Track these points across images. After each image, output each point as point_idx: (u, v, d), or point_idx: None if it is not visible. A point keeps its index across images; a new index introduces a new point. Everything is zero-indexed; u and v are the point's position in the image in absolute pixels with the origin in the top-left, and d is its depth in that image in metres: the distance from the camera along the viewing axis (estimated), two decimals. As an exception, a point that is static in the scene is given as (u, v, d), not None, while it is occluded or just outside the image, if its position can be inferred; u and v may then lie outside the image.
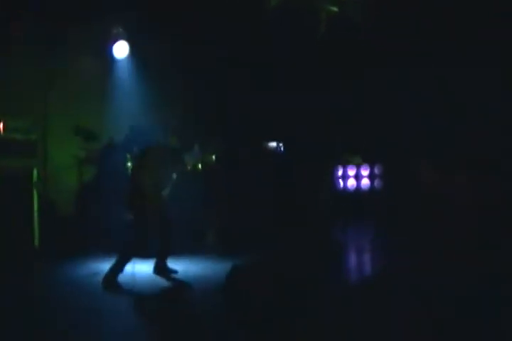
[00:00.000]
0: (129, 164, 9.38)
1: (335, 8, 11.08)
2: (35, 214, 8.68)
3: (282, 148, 12.49)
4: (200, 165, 10.32)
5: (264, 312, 5.47)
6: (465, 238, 8.73)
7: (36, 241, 8.66)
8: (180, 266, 7.77)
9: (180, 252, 8.29)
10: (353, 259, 9.51)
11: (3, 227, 8.12)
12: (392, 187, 12.45)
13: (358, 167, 13.23)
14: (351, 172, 13.30)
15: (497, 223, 8.88)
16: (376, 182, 13.03)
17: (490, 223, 8.93)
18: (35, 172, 8.74)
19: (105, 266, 7.21)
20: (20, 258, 7.96)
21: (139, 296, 6.69)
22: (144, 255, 7.68)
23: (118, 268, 7.00)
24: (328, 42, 11.50)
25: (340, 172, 13.16)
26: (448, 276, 6.80)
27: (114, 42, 10.29)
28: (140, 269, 7.49)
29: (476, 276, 6.72)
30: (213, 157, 10.65)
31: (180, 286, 7.24)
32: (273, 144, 12.10)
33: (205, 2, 9.87)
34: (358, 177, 13.23)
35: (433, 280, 6.66)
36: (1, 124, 8.50)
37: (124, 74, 10.66)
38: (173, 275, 7.49)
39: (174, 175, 7.77)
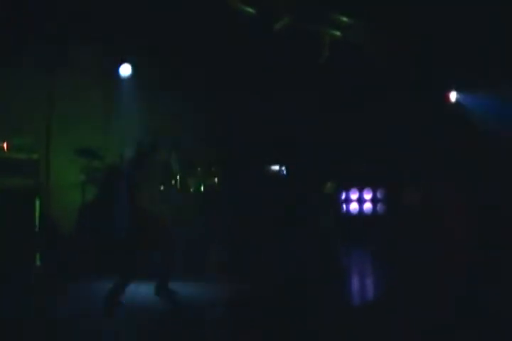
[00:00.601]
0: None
1: (338, 33, 11.18)
2: (38, 233, 8.64)
3: (285, 172, 12.49)
4: (202, 187, 10.32)
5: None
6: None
7: (38, 261, 8.61)
8: (180, 286, 7.71)
9: (181, 274, 8.25)
10: (354, 282, 9.45)
11: (6, 246, 8.08)
12: (388, 210, 12.49)
13: (361, 191, 13.24)
14: (354, 196, 13.30)
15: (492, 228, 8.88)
16: (379, 206, 13.03)
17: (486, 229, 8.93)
18: (37, 191, 8.72)
19: (105, 286, 7.16)
20: (22, 278, 7.89)
21: (139, 318, 6.63)
22: (145, 277, 7.64)
23: (119, 289, 6.94)
24: (331, 65, 11.60)
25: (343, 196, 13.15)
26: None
27: (119, 63, 10.34)
28: (140, 291, 7.43)
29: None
30: (215, 179, 10.64)
31: (180, 308, 7.18)
32: (275, 167, 12.08)
33: (207, 25, 9.94)
34: (360, 201, 13.23)
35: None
36: (5, 144, 8.51)
37: (127, 95, 10.71)
38: (174, 297, 7.43)
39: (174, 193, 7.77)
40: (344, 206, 13.09)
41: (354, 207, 13.29)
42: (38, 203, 8.73)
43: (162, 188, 7.44)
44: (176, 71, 11.22)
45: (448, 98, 11.80)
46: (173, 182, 9.87)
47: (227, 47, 10.55)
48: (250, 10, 9.99)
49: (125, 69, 10.37)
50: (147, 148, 7.37)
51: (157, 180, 7.35)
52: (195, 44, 10.50)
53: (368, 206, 13.20)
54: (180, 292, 7.50)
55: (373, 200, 13.20)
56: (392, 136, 11.60)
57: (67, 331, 6.00)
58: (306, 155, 11.80)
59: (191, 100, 11.49)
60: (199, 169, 10.33)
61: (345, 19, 10.87)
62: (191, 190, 10.13)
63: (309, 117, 12.26)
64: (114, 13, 9.05)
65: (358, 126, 12.13)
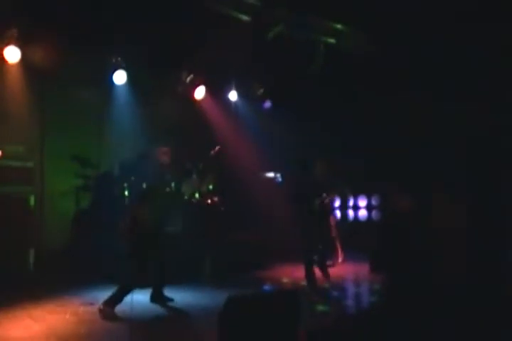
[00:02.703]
0: (126, 193, 9.35)
1: (332, 40, 11.20)
2: (32, 241, 8.60)
3: (280, 179, 12.50)
4: (197, 195, 10.29)
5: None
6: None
7: (32, 269, 8.56)
8: (176, 295, 7.71)
9: (177, 281, 8.24)
10: (349, 291, 9.42)
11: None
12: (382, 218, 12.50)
13: (356, 198, 13.28)
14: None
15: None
16: (374, 213, 13.05)
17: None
18: (31, 199, 8.68)
19: (101, 295, 7.12)
20: (15, 286, 7.82)
21: (136, 325, 6.61)
22: (140, 285, 7.63)
23: (117, 298, 6.91)
24: (326, 74, 11.61)
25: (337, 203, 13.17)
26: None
27: (113, 71, 10.32)
28: (137, 298, 7.40)
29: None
30: (210, 187, 10.62)
31: (176, 315, 7.16)
32: (270, 174, 12.09)
33: (201, 33, 9.93)
34: (355, 208, 13.27)
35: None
36: (-1, 152, 8.49)
37: (122, 102, 10.69)
38: (170, 304, 7.43)
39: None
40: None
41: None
42: (32, 210, 8.69)
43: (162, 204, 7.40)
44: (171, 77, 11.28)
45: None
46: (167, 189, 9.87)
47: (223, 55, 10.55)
48: (245, 17, 9.99)
49: (120, 76, 10.34)
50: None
51: (158, 197, 7.31)
52: (189, 52, 10.51)
53: (362, 213, 13.25)
54: (176, 299, 7.53)
55: (368, 207, 13.25)
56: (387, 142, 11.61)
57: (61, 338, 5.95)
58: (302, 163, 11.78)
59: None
60: (194, 176, 10.29)
61: (339, 27, 10.88)
62: (185, 197, 10.10)
63: (305, 125, 12.33)
64: (110, 19, 9.04)
65: (352, 131, 12.18)
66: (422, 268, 7.90)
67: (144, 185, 7.34)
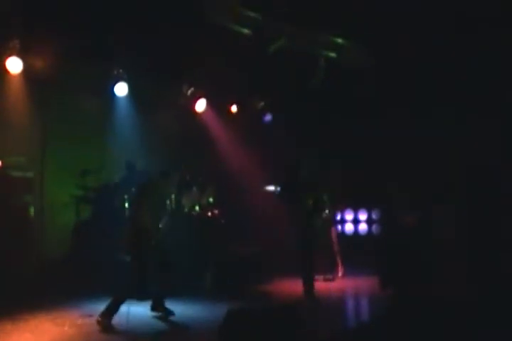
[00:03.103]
0: (126, 205, 9.34)
1: (333, 54, 11.24)
2: (31, 252, 8.57)
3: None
4: (197, 208, 10.27)
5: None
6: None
7: (31, 280, 8.50)
8: (177, 307, 7.66)
9: (178, 294, 8.20)
10: (349, 304, 9.38)
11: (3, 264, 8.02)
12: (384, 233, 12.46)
13: (356, 211, 13.26)
14: (349, 216, 13.30)
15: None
16: (374, 227, 13.03)
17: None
18: (32, 209, 8.65)
19: (100, 306, 7.08)
20: (13, 298, 7.78)
21: (134, 337, 6.54)
22: (140, 297, 7.59)
23: (112, 309, 6.88)
24: (327, 88, 11.65)
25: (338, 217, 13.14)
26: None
27: (114, 82, 10.34)
28: (135, 310, 7.35)
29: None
30: (210, 199, 10.60)
31: (176, 328, 7.11)
32: (271, 188, 12.06)
33: (202, 46, 9.97)
34: (355, 221, 13.25)
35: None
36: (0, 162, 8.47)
37: (123, 114, 10.71)
38: (170, 317, 7.38)
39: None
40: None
41: (349, 227, 13.32)
42: (32, 220, 8.66)
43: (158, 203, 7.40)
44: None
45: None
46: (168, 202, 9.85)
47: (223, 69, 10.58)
48: (246, 31, 10.03)
49: (121, 88, 10.36)
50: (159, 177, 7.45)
51: (154, 195, 7.33)
52: (190, 65, 10.54)
53: (363, 227, 13.22)
54: (176, 312, 7.48)
55: (368, 221, 13.22)
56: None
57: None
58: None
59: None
60: (194, 188, 10.29)
61: (340, 41, 10.93)
62: (186, 209, 10.09)
63: (305, 138, 12.35)
64: (112, 31, 9.07)
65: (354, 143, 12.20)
66: (429, 280, 7.91)
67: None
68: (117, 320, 6.87)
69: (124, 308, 6.99)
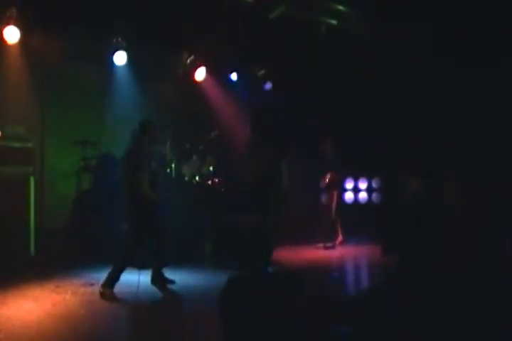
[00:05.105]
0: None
1: (334, 21, 11.11)
2: (32, 223, 8.59)
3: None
4: (197, 177, 10.28)
5: (260, 323, 5.39)
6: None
7: (32, 250, 8.57)
8: (177, 276, 7.72)
9: (178, 262, 8.27)
10: (350, 272, 9.45)
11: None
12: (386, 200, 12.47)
13: (356, 180, 13.28)
14: (349, 185, 13.32)
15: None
16: (374, 196, 13.05)
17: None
18: (32, 180, 8.65)
19: (101, 275, 7.15)
20: (15, 267, 7.84)
21: (135, 306, 6.64)
22: (140, 265, 7.64)
23: (113, 277, 6.94)
24: (327, 56, 11.55)
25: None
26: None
27: (113, 51, 10.25)
28: (135, 279, 7.40)
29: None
30: (211, 168, 10.60)
31: (176, 296, 7.18)
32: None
33: (202, 13, 9.86)
34: (355, 190, 13.27)
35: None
36: (-1, 132, 8.45)
37: (123, 83, 10.64)
38: (171, 286, 7.44)
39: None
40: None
41: (349, 196, 13.34)
42: (32, 191, 8.66)
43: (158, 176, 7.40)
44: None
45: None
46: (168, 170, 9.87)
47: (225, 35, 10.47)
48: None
49: (120, 57, 10.27)
50: (140, 129, 7.36)
51: (153, 167, 7.31)
52: (192, 32, 10.43)
53: (363, 195, 13.25)
54: (177, 281, 7.55)
55: (368, 190, 13.25)
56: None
57: (63, 317, 6.00)
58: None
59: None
60: (194, 157, 10.28)
61: (342, 8, 10.80)
62: (186, 178, 10.10)
63: (304, 110, 12.30)
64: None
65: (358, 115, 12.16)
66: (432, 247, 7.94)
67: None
68: (123, 288, 6.97)
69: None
